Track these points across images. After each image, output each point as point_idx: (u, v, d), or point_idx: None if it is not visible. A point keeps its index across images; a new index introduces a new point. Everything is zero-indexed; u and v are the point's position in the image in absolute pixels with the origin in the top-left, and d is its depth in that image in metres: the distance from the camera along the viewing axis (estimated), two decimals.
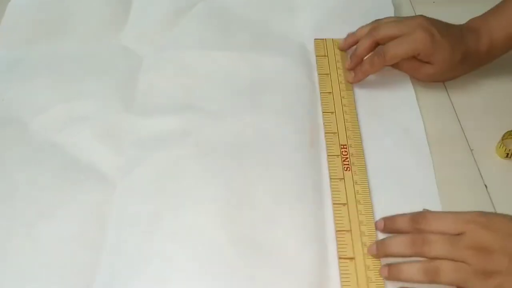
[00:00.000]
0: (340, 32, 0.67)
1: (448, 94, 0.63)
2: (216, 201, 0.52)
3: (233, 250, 0.49)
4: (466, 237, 0.44)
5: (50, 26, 0.69)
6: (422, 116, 0.60)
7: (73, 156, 0.55)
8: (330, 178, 0.54)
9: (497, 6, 0.61)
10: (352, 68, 0.63)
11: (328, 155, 0.56)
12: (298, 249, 0.49)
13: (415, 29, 0.58)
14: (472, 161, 0.56)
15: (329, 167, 0.55)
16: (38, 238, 0.49)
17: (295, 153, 0.56)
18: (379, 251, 0.47)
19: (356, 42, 0.63)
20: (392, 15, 0.70)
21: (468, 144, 0.58)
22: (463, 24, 0.61)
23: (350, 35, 0.65)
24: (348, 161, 0.55)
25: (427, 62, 0.60)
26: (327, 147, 0.56)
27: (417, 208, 0.49)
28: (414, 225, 0.46)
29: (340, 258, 0.48)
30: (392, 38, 0.59)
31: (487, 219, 0.44)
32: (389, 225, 0.49)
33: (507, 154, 0.56)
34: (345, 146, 0.56)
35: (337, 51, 0.66)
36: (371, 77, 0.62)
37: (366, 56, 0.62)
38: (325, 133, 0.58)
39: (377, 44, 0.61)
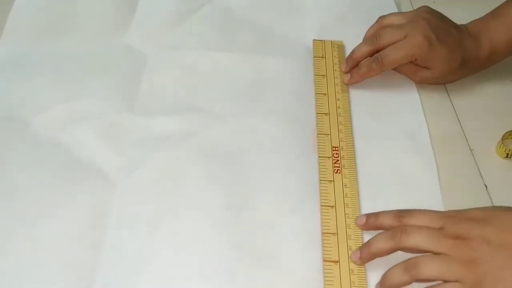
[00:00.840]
0: (343, 33, 0.67)
1: (448, 94, 0.62)
2: (216, 203, 0.52)
3: (232, 253, 0.48)
4: (444, 229, 0.43)
5: (54, 25, 0.69)
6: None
7: (74, 155, 0.56)
8: (320, 180, 0.53)
9: (498, 9, 0.59)
10: (348, 72, 0.62)
11: (319, 157, 0.55)
12: (298, 253, 0.49)
13: (415, 34, 0.57)
14: (472, 161, 0.56)
15: (319, 168, 0.54)
16: (38, 237, 0.49)
17: (297, 156, 0.55)
18: (362, 253, 0.46)
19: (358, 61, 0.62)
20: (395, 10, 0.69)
21: (468, 144, 0.57)
22: (464, 27, 0.60)
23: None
24: (339, 163, 0.54)
25: (425, 67, 0.59)
26: (318, 148, 0.56)
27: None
28: (397, 220, 0.46)
29: (324, 260, 0.47)
30: (392, 44, 0.59)
31: (463, 213, 0.45)
32: (372, 221, 0.48)
33: (507, 154, 0.55)
34: (336, 148, 0.55)
35: (335, 53, 0.65)
36: (372, 78, 0.61)
37: (362, 61, 0.61)
38: (317, 134, 0.57)
39: (376, 51, 0.60)
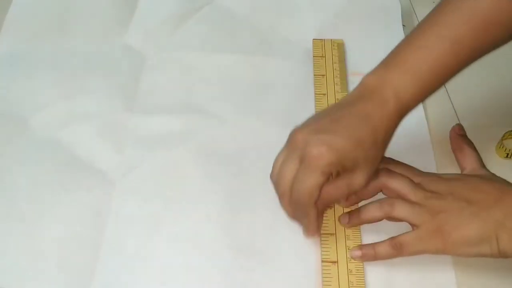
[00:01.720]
0: (346, 34, 0.67)
1: (448, 94, 0.61)
2: (215, 203, 0.52)
3: (231, 253, 0.48)
4: (421, 184, 0.48)
5: (54, 23, 0.69)
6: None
7: (73, 154, 0.56)
8: None
9: (395, 57, 0.48)
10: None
11: None
12: (296, 254, 0.49)
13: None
14: None
15: None
16: (37, 236, 0.50)
17: None
18: (351, 218, 0.49)
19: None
20: (399, 15, 0.68)
21: None
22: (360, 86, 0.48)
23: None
24: None
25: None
26: None
27: None
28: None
29: (323, 261, 0.47)
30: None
31: (440, 175, 0.49)
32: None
33: (507, 154, 0.55)
34: None
35: (335, 52, 0.65)
36: None
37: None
38: None
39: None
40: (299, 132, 0.45)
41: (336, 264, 0.47)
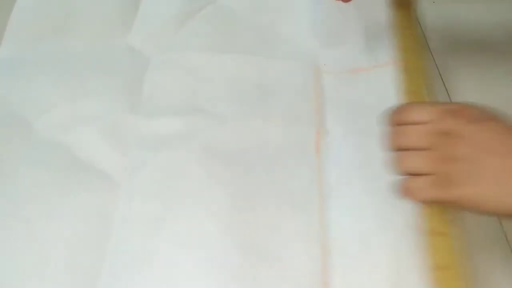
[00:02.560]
0: (348, 34, 0.67)
1: (448, 94, 0.62)
2: (219, 203, 0.52)
3: (235, 253, 0.49)
4: (435, 124, 0.44)
5: (56, 25, 0.68)
6: None
7: (78, 156, 0.55)
8: None
9: None
10: None
11: None
12: (301, 254, 0.49)
13: None
14: None
15: None
16: (42, 238, 0.50)
17: (300, 158, 0.56)
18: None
19: None
20: None
21: None
22: None
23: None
24: None
25: None
26: None
27: None
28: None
29: (433, 267, 0.45)
30: None
31: (459, 106, 0.45)
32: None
33: None
34: None
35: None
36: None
37: None
38: None
39: None
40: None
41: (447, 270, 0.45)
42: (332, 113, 0.59)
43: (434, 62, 0.64)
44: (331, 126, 0.58)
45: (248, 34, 0.68)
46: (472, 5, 0.63)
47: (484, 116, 0.45)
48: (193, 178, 0.54)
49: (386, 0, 0.66)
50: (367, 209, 0.52)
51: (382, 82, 0.61)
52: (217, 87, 0.62)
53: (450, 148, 0.43)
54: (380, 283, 0.47)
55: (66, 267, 0.48)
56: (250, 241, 0.49)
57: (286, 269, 0.48)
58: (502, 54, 0.61)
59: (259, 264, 0.48)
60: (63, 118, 0.59)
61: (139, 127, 0.58)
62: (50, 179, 0.54)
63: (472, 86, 0.62)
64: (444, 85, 0.62)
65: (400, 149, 0.46)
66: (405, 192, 0.46)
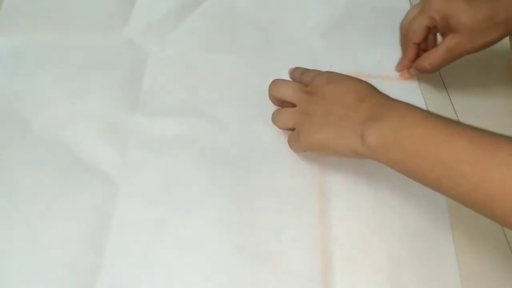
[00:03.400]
0: (350, 34, 0.67)
1: (448, 94, 0.62)
2: (219, 206, 0.52)
3: (235, 256, 0.48)
4: (308, 86, 0.54)
5: (52, 16, 0.67)
6: None
7: (76, 155, 0.55)
8: None
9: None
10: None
11: None
12: (302, 257, 0.49)
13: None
14: None
15: None
16: (40, 238, 0.49)
17: (300, 161, 0.55)
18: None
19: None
20: (408, 9, 0.67)
21: None
22: None
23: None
24: None
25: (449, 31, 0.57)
26: None
27: (421, 209, 0.50)
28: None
29: None
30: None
31: (324, 72, 0.54)
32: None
33: None
34: None
35: None
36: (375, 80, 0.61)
37: None
38: None
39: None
40: None
41: None
42: None
43: None
44: None
45: (248, 33, 0.68)
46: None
47: (344, 77, 0.52)
48: (193, 180, 0.53)
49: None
50: (367, 210, 0.52)
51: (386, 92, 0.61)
52: (216, 88, 0.62)
53: (309, 104, 0.52)
54: (380, 284, 0.48)
55: (65, 268, 0.47)
56: (250, 244, 0.49)
57: (286, 271, 0.48)
58: (502, 54, 0.61)
59: (260, 266, 0.48)
60: (62, 116, 0.58)
61: (139, 126, 0.57)
62: (49, 178, 0.53)
63: (472, 86, 0.62)
64: (444, 85, 0.63)
65: (276, 100, 0.57)
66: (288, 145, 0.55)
